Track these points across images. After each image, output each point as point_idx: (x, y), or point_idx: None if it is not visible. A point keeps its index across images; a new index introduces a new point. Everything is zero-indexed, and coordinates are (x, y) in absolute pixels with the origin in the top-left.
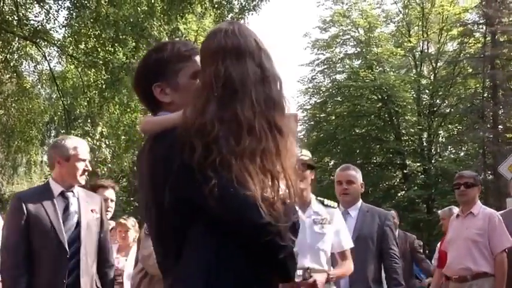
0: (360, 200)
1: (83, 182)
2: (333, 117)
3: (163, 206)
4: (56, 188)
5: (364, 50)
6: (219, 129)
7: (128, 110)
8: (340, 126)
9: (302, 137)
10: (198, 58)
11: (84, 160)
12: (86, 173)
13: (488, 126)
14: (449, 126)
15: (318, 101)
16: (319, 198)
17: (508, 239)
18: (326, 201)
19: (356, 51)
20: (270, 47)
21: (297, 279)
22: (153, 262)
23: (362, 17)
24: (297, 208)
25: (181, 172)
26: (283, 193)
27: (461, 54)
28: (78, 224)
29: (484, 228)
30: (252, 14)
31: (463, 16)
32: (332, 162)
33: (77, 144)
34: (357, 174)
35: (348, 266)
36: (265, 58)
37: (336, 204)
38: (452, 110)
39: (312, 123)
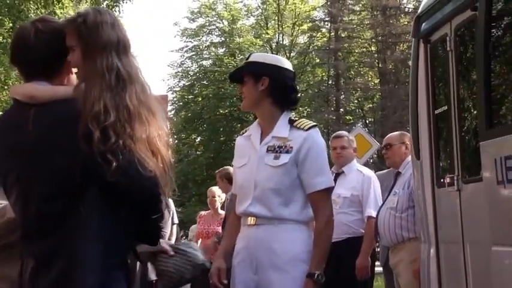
0: None
1: None
2: (200, 99)
3: (56, 166)
4: None
5: (227, 39)
6: (116, 117)
7: (5, 87)
8: (206, 107)
9: (172, 116)
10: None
11: None
12: None
13: (332, 109)
14: (300, 108)
15: (186, 84)
16: (294, 117)
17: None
18: (298, 122)
19: (221, 40)
20: (143, 33)
21: None
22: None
23: (226, 10)
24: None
25: (79, 146)
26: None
27: (310, 47)
28: None
29: None
30: (126, 2)
31: (312, 13)
32: (199, 139)
33: None
34: None
35: (318, 216)
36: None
37: (310, 124)
38: (302, 94)
39: (181, 103)
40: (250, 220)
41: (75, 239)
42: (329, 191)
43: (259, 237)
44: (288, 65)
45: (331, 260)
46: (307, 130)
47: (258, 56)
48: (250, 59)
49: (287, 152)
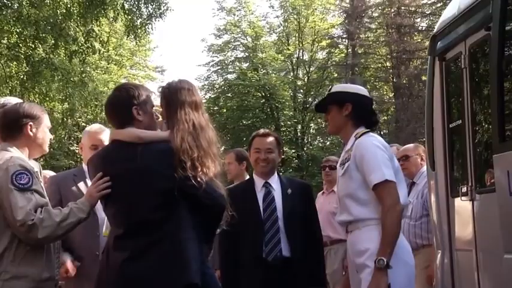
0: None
1: None
2: (224, 110)
3: (160, 186)
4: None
5: (251, 54)
6: (198, 153)
7: (47, 98)
8: (230, 118)
9: None
10: (153, 98)
11: None
12: None
13: None
14: (319, 120)
15: (212, 96)
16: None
17: None
18: (357, 133)
19: (244, 56)
20: (173, 49)
21: None
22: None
23: (250, 27)
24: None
25: (177, 171)
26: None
27: (329, 62)
28: None
29: None
30: (159, 20)
31: (331, 31)
32: (223, 148)
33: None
34: None
35: (382, 208)
36: (204, 108)
37: (361, 132)
38: None
39: (206, 115)
40: (346, 228)
41: (175, 238)
42: (384, 184)
43: (351, 242)
44: (365, 92)
45: None
46: (358, 138)
47: (339, 87)
48: (332, 90)
49: (348, 160)
